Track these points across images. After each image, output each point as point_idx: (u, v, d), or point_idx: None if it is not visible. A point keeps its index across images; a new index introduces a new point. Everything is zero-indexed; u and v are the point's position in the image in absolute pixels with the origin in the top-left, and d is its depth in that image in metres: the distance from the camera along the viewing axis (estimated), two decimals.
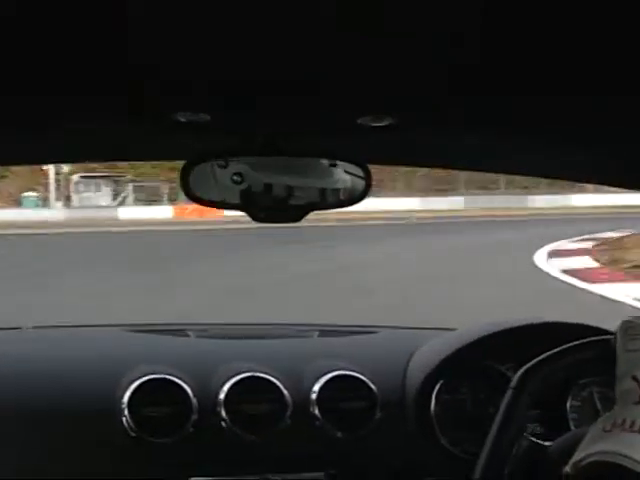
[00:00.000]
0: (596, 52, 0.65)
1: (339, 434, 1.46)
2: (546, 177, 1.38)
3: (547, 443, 1.13)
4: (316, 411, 1.45)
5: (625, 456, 0.80)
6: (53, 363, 1.54)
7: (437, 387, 1.47)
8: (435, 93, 0.81)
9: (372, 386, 1.47)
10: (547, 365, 1.01)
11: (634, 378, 0.87)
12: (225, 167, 0.97)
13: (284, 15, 0.60)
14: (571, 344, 1.02)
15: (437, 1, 0.58)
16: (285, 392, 1.44)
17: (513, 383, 1.02)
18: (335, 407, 1.45)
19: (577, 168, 1.22)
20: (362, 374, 1.49)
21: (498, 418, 1.02)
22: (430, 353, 1.55)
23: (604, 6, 0.57)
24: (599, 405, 1.52)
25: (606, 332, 1.16)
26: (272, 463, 1.44)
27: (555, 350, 1.02)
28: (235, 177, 0.97)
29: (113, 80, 0.74)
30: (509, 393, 1.02)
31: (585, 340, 1.03)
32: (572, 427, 1.50)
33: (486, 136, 1.01)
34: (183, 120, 0.88)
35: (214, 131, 0.95)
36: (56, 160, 1.43)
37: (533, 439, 1.17)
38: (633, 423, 0.83)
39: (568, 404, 1.51)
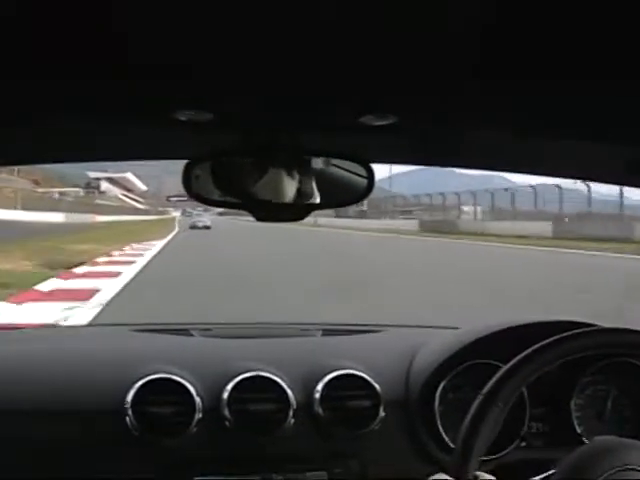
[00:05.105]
0: (602, 50, 0.65)
1: (343, 433, 1.46)
2: (552, 175, 1.37)
3: None
4: (320, 410, 1.44)
5: None
6: (57, 362, 1.55)
7: (441, 386, 1.47)
8: (438, 91, 0.80)
9: (375, 385, 1.47)
10: (522, 371, 0.98)
11: None
12: (227, 165, 0.97)
13: (286, 13, 0.59)
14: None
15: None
16: (289, 391, 1.44)
17: (485, 388, 0.97)
18: (339, 406, 1.45)
19: (584, 165, 1.22)
20: (366, 373, 1.48)
21: (464, 426, 0.97)
22: (433, 352, 1.54)
23: (608, 6, 0.56)
24: (609, 403, 1.52)
25: None
26: (276, 462, 1.44)
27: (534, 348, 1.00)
28: (237, 175, 0.97)
29: (113, 79, 0.74)
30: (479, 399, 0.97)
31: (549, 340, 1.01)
32: (576, 426, 1.49)
33: (490, 134, 1.01)
34: (184, 119, 0.88)
35: (215, 129, 0.94)
36: (56, 160, 1.43)
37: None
38: None
39: (572, 402, 1.50)
